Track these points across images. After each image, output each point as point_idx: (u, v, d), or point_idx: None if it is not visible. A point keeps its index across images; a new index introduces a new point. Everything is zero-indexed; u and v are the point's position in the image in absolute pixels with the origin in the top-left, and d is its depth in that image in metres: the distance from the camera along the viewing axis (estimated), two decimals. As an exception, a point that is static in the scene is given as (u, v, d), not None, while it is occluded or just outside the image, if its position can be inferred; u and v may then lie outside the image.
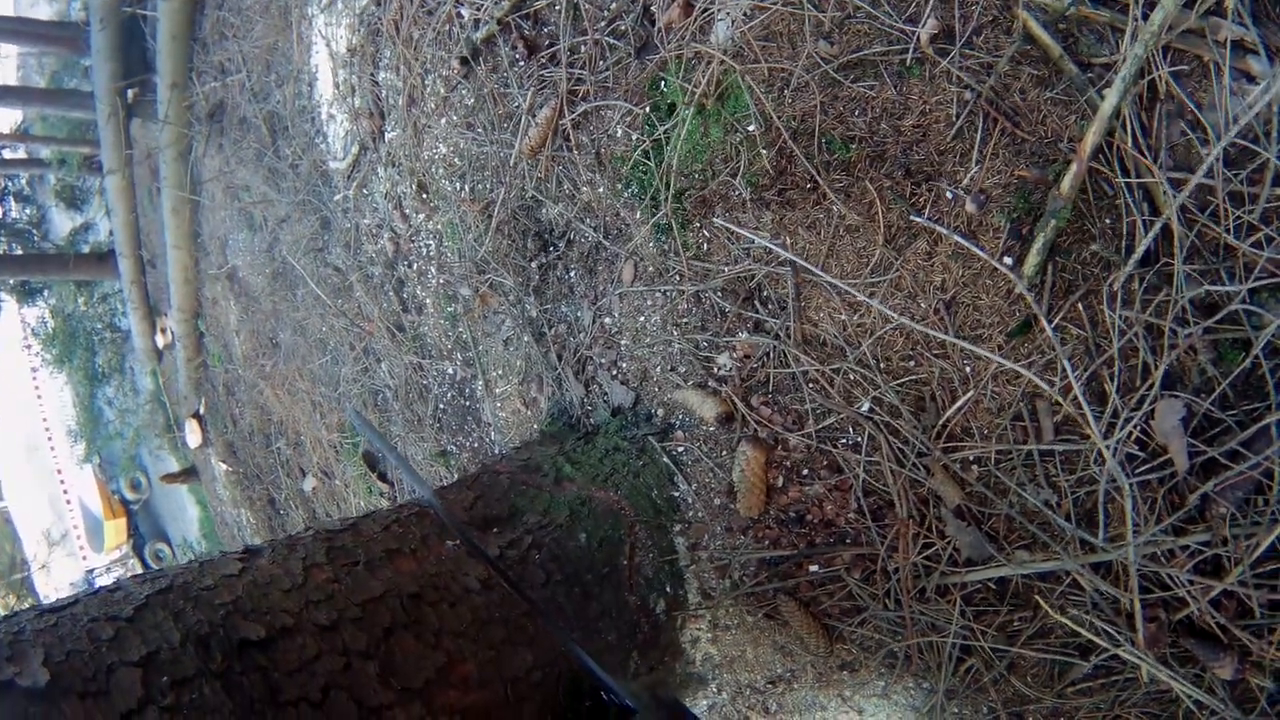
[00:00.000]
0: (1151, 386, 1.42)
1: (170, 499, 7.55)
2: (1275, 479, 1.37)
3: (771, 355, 1.70)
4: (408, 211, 2.70)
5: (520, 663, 1.64)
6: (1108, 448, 1.42)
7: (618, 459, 1.89)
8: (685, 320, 1.83)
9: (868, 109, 1.52)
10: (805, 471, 1.72)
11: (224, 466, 4.50)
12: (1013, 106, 1.43)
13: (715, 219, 1.68)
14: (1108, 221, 1.43)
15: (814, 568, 1.77)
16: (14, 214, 6.84)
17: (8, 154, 7.05)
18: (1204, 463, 1.44)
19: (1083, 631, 1.54)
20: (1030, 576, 1.62)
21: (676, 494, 1.86)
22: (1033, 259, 1.44)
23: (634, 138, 1.84)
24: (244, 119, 3.36)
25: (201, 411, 4.72)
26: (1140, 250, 1.38)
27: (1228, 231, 1.35)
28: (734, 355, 1.74)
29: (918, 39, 1.45)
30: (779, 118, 1.56)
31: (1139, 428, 1.45)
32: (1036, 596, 1.57)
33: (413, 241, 2.72)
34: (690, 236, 1.76)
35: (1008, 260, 1.47)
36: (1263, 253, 1.34)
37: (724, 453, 1.80)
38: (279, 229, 3.28)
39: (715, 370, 1.77)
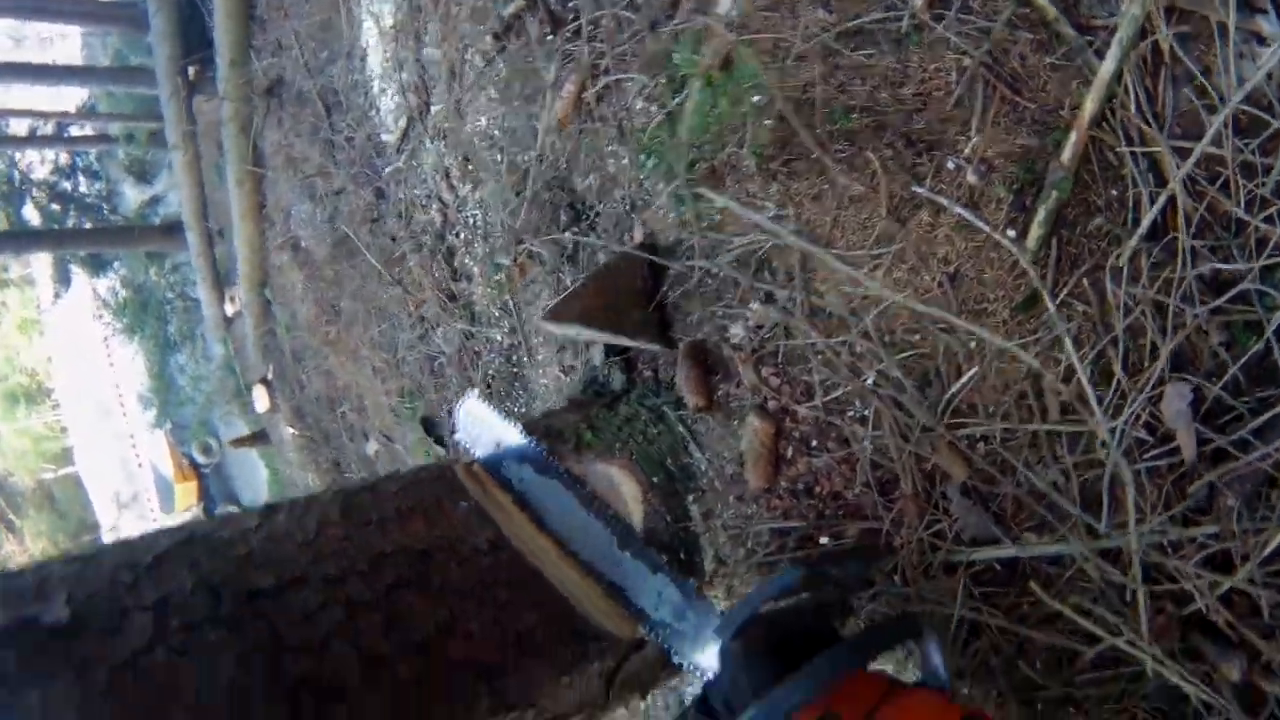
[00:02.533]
0: (1159, 368, 1.46)
1: (242, 462, 8.18)
2: (1286, 471, 1.40)
3: (781, 327, 1.81)
4: (454, 183, 2.92)
5: (524, 621, 1.82)
6: (1110, 433, 1.48)
7: (635, 426, 2.05)
8: (702, 291, 1.96)
9: (868, 78, 1.60)
10: (814, 443, 1.83)
11: (291, 431, 4.93)
12: (1012, 73, 1.49)
13: (708, 193, 1.80)
14: (1114, 193, 1.47)
15: (824, 540, 1.88)
16: (83, 189, 7.51)
17: (75, 130, 7.75)
18: (1214, 451, 1.47)
19: (1083, 622, 1.60)
20: (1039, 559, 1.69)
21: (691, 462, 2.00)
22: (1035, 232, 1.50)
23: (651, 110, 1.97)
24: (300, 94, 3.68)
25: (269, 377, 5.17)
26: (1146, 224, 1.42)
27: (1239, 205, 1.38)
28: (746, 325, 1.87)
29: (912, 4, 1.52)
30: (781, 88, 1.66)
31: (1147, 411, 1.50)
32: (1033, 584, 1.64)
33: (460, 212, 2.93)
34: (703, 207, 1.89)
35: (1011, 233, 1.53)
36: (1276, 228, 1.36)
37: (736, 423, 1.93)
38: (337, 200, 3.58)
39: (730, 339, 1.90)
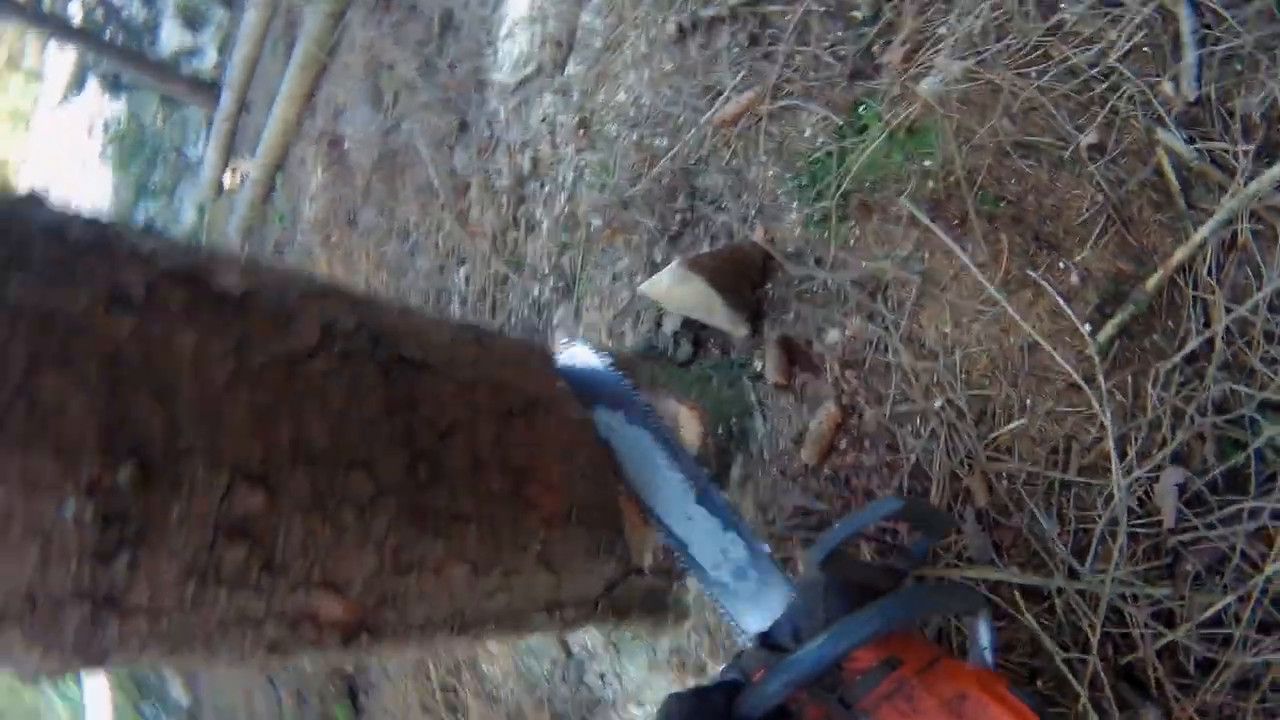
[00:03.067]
0: (1164, 456, 1.99)
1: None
2: (1235, 552, 1.94)
3: (874, 343, 2.25)
4: (558, 141, 3.24)
5: (589, 496, 2.04)
6: (1119, 488, 1.99)
7: (706, 385, 2.40)
8: (809, 296, 2.37)
9: (1022, 181, 2.12)
10: (868, 444, 2.25)
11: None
12: (1130, 217, 2.05)
13: (873, 220, 2.25)
14: (1170, 322, 2.03)
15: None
16: (133, 10, 7.32)
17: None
18: (1185, 528, 2.00)
19: (1044, 638, 2.06)
20: (1014, 590, 2.14)
21: (751, 428, 2.36)
22: (1106, 332, 2.03)
23: (820, 140, 2.42)
24: (414, 6, 3.91)
25: (241, 257, 5.08)
26: (1186, 351, 1.98)
27: (1255, 358, 1.96)
28: (844, 334, 2.29)
29: (1078, 144, 2.07)
30: (958, 163, 2.16)
31: (1143, 489, 2.02)
32: (1017, 595, 2.10)
33: (552, 168, 3.24)
34: (843, 230, 2.33)
35: (1088, 327, 2.05)
36: (1278, 379, 1.94)
37: (805, 408, 2.32)
38: (409, 116, 3.78)
39: (825, 340, 2.32)
